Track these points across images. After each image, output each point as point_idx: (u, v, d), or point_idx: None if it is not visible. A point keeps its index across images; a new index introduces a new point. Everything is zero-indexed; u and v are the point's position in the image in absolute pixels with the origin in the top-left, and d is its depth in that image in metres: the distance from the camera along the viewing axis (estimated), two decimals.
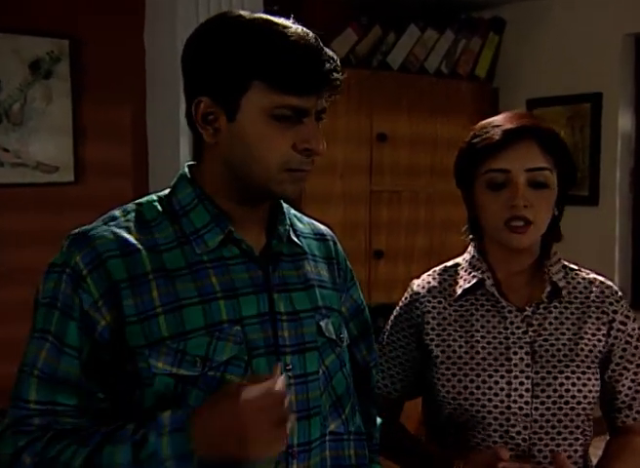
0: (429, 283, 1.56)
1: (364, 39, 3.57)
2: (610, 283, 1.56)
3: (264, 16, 1.14)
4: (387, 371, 1.58)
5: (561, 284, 1.49)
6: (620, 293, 1.55)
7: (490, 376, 1.44)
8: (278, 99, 1.09)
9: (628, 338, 1.51)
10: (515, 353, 1.44)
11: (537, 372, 1.43)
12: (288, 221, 1.26)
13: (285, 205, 1.31)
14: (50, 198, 3.15)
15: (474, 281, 1.50)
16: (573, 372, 1.44)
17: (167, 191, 1.22)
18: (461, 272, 1.53)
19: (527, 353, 1.44)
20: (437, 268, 1.59)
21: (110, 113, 3.24)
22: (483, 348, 1.46)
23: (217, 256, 1.17)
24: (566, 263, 1.56)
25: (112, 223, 1.16)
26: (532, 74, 3.77)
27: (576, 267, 1.57)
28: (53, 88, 3.11)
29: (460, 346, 1.48)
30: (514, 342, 1.45)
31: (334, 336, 1.25)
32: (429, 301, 1.53)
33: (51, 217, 3.08)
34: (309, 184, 3.79)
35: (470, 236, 1.56)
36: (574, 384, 1.43)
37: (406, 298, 1.57)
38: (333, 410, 1.24)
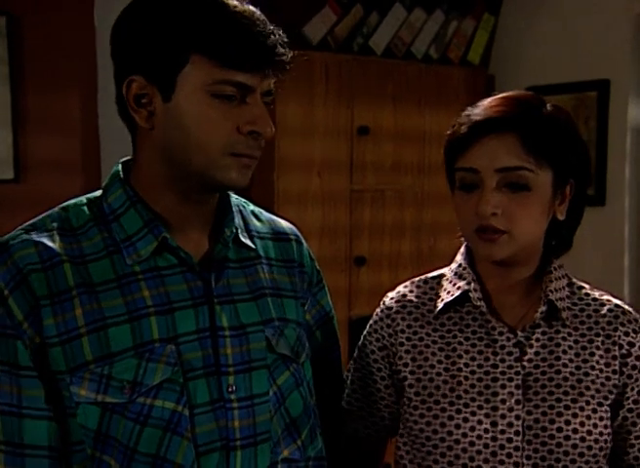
0: (405, 296, 1.40)
1: (344, 20, 3.40)
2: (628, 308, 1.36)
3: None
4: (355, 403, 1.42)
5: (561, 304, 1.31)
6: None
7: (473, 414, 1.27)
8: (219, 74, 1.07)
9: None
10: (503, 386, 1.27)
11: (529, 412, 1.26)
12: (237, 221, 1.22)
13: (240, 201, 1.28)
14: None
15: (457, 293, 1.33)
16: (575, 416, 1.25)
17: (99, 193, 1.18)
18: (445, 283, 1.38)
19: (517, 387, 1.27)
20: (417, 279, 1.43)
21: (56, 101, 3.03)
22: (466, 378, 1.30)
23: (150, 266, 1.13)
24: (574, 280, 1.39)
25: (33, 232, 1.12)
26: (531, 59, 3.62)
27: (587, 286, 1.39)
28: None
29: (439, 374, 1.31)
30: (503, 372, 1.28)
31: (286, 352, 1.21)
32: (404, 319, 1.37)
33: None
34: (282, 183, 3.61)
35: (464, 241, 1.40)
36: (575, 431, 1.25)
37: (377, 315, 1.41)
38: (286, 435, 1.19)
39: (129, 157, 1.19)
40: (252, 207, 1.30)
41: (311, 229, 3.29)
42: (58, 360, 1.07)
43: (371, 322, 1.41)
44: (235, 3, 1.09)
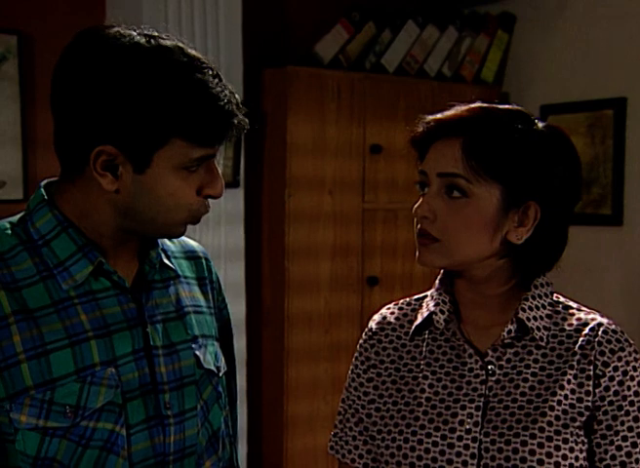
0: (385, 318, 1.38)
1: (356, 37, 3.40)
2: (613, 327, 1.27)
3: (177, 55, 1.11)
4: (349, 432, 1.38)
5: (534, 323, 1.25)
6: (627, 343, 1.25)
7: (428, 436, 1.24)
8: (195, 153, 1.12)
9: (622, 403, 1.22)
10: (464, 407, 1.24)
11: (487, 434, 1.22)
12: (160, 244, 1.26)
13: None
14: None
15: (426, 315, 1.31)
16: (532, 437, 1.20)
17: (19, 217, 1.18)
18: (424, 305, 1.35)
19: (478, 408, 1.23)
20: (402, 300, 1.41)
21: None
22: (428, 399, 1.27)
23: (85, 291, 1.15)
24: (562, 300, 1.32)
25: None
26: (546, 77, 3.59)
27: (575, 305, 1.32)
28: None
29: (403, 396, 1.29)
30: (466, 394, 1.25)
31: (212, 367, 1.26)
32: (380, 341, 1.36)
33: None
34: (294, 202, 3.56)
35: None
36: (532, 452, 1.19)
37: (362, 338, 1.40)
38: (209, 446, 1.24)
39: (52, 179, 1.19)
40: None
41: (323, 249, 3.27)
42: None
43: (357, 346, 1.40)
44: (214, 81, 1.11)
